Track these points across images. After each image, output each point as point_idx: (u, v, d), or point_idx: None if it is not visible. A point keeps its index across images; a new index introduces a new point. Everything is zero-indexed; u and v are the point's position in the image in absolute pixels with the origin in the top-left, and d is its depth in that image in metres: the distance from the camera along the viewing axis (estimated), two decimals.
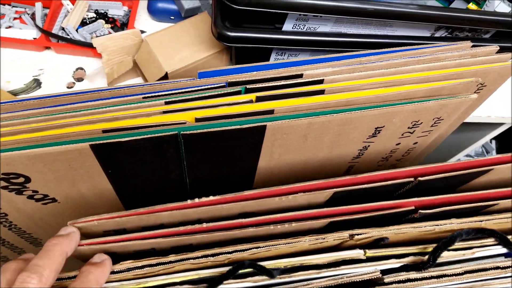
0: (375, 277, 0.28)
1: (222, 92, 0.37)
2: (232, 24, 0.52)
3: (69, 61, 0.64)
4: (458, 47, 0.43)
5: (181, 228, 0.28)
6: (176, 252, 0.30)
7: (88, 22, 0.64)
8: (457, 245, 0.30)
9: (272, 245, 0.28)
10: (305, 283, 0.28)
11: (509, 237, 0.30)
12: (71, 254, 0.29)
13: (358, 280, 0.28)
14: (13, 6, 0.65)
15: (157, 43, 0.57)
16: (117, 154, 0.32)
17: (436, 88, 0.35)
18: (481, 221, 0.30)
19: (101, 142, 0.29)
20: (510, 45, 0.55)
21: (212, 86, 0.38)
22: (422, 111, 0.35)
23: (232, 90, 0.37)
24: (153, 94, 0.36)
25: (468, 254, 0.30)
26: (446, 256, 0.29)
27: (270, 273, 0.28)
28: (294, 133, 0.34)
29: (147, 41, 0.57)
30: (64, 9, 0.64)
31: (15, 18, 0.64)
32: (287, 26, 0.52)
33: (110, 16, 0.65)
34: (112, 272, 0.29)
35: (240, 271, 0.28)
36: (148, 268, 0.29)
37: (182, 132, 0.30)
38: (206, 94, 0.36)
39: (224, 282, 0.28)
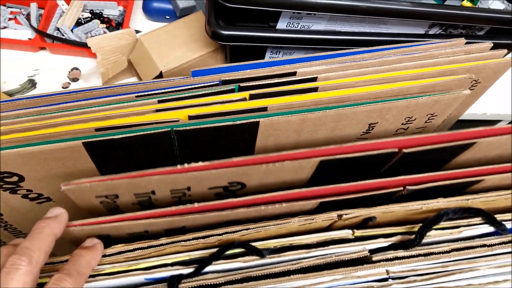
0: (363, 255, 0.28)
1: (216, 90, 0.37)
2: (226, 22, 0.52)
3: (64, 61, 0.64)
4: (452, 44, 0.43)
5: (174, 208, 0.28)
6: (168, 236, 0.30)
7: (83, 22, 0.64)
8: (444, 224, 0.30)
9: (262, 227, 0.29)
10: (294, 262, 0.28)
11: (496, 215, 0.30)
12: (61, 236, 0.29)
13: (346, 258, 0.28)
14: (8, 7, 0.65)
15: (152, 42, 0.57)
16: (110, 152, 0.32)
17: (430, 85, 0.35)
18: (468, 200, 0.30)
19: (94, 140, 0.29)
20: (504, 42, 0.55)
21: (206, 84, 0.37)
22: (415, 107, 0.35)
23: (225, 89, 0.37)
24: (146, 93, 0.36)
25: (455, 233, 0.30)
26: (433, 235, 0.29)
27: (260, 252, 0.28)
28: (287, 129, 0.34)
29: (142, 40, 0.57)
30: (59, 9, 0.64)
31: (10, 19, 0.64)
32: (281, 24, 0.53)
33: (105, 16, 0.65)
34: (104, 256, 0.29)
35: (231, 252, 0.29)
36: (139, 251, 0.29)
37: (175, 129, 0.30)
38: (200, 93, 0.36)
39: (215, 262, 0.28)
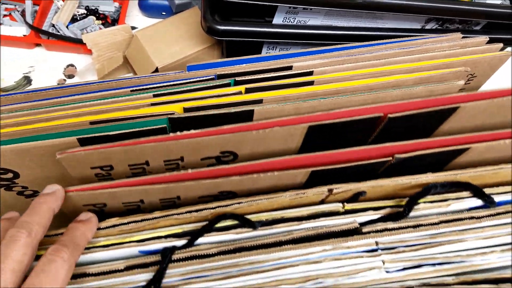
0: (353, 227, 0.29)
1: (211, 84, 0.36)
2: (222, 18, 0.52)
3: (60, 58, 0.63)
4: (448, 39, 0.43)
5: (168, 174, 0.29)
6: (163, 210, 0.30)
7: (78, 18, 0.64)
8: (433, 198, 0.30)
9: (254, 200, 0.29)
10: (286, 233, 0.29)
11: (484, 189, 0.31)
12: (57, 211, 0.29)
13: (337, 230, 0.29)
14: (3, 3, 0.64)
15: (148, 38, 0.57)
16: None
17: (425, 77, 0.35)
18: (456, 174, 0.31)
19: (89, 135, 0.29)
20: (500, 36, 0.55)
21: (201, 78, 0.37)
22: (409, 97, 0.35)
23: (221, 83, 0.37)
24: (141, 87, 0.36)
25: (443, 206, 0.30)
26: (422, 208, 0.30)
27: (252, 223, 0.29)
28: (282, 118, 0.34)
29: (138, 36, 0.57)
30: (54, 5, 0.64)
31: (4, 15, 0.64)
32: (277, 19, 0.52)
33: (101, 12, 0.64)
34: (98, 229, 0.30)
35: (223, 224, 0.29)
36: (133, 224, 0.29)
37: (170, 117, 0.30)
38: (195, 87, 0.36)
39: (207, 234, 0.29)
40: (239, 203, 0.29)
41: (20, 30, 0.63)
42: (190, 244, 0.29)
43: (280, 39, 0.54)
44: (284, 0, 0.47)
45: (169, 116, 0.30)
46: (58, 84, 0.61)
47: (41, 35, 0.62)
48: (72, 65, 0.63)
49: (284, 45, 0.58)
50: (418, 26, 0.55)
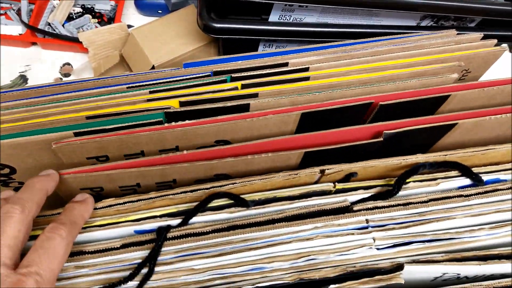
0: (345, 205, 0.29)
1: (208, 81, 0.37)
2: (218, 15, 0.52)
3: (56, 57, 0.63)
4: (443, 35, 0.43)
5: (163, 155, 0.29)
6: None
7: (74, 17, 0.64)
8: (422, 177, 0.31)
9: (248, 181, 0.30)
10: (278, 212, 0.29)
11: (473, 169, 0.31)
12: (54, 190, 0.30)
13: (328, 208, 0.29)
14: None
15: (144, 36, 0.57)
16: None
17: (419, 72, 0.36)
18: (446, 155, 0.31)
19: (85, 129, 0.29)
20: (495, 33, 0.55)
21: (198, 75, 0.37)
22: (403, 89, 0.35)
23: (217, 79, 0.37)
24: (137, 84, 0.36)
25: (433, 185, 0.31)
26: (411, 187, 0.31)
27: (245, 202, 0.29)
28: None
29: (134, 34, 0.57)
30: (50, 4, 0.63)
31: (0, 14, 0.64)
32: (273, 17, 0.53)
33: (97, 11, 0.64)
34: (95, 209, 0.30)
35: (217, 204, 0.30)
36: (129, 204, 0.30)
37: (166, 111, 0.30)
38: (191, 83, 0.36)
39: (201, 213, 0.29)
40: (233, 183, 0.30)
41: (16, 29, 0.63)
42: (184, 223, 0.29)
43: (276, 36, 0.54)
44: None
45: (165, 110, 0.31)
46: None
47: (37, 33, 0.62)
48: (68, 64, 0.63)
49: (280, 42, 0.58)
50: (413, 23, 0.55)
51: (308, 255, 0.27)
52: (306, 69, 0.38)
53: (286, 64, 0.39)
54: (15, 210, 0.26)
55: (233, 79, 0.37)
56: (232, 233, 0.28)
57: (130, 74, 0.37)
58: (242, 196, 0.30)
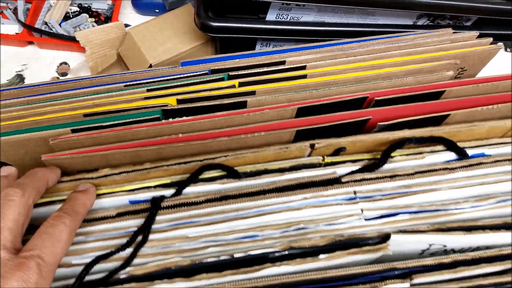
0: (333, 177, 0.30)
1: (205, 79, 0.37)
2: (215, 14, 0.52)
3: (53, 56, 0.63)
4: (439, 34, 0.44)
5: (159, 138, 0.30)
6: None
7: (71, 16, 0.64)
8: (409, 151, 0.32)
9: (240, 154, 0.31)
10: (269, 183, 0.30)
11: (459, 143, 0.32)
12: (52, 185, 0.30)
13: (317, 180, 0.30)
14: None
15: (141, 35, 0.57)
16: None
17: (415, 70, 0.36)
18: (432, 130, 0.32)
19: (83, 126, 0.29)
20: (491, 32, 0.56)
21: (195, 73, 0.38)
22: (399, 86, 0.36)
23: (215, 77, 0.37)
24: (134, 82, 0.36)
25: (419, 158, 0.31)
26: (398, 160, 0.31)
27: (236, 173, 0.30)
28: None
29: (131, 33, 0.57)
30: (47, 3, 0.63)
31: None
32: (271, 15, 0.53)
33: (94, 10, 0.64)
34: (90, 178, 0.30)
35: (209, 175, 0.30)
36: (124, 174, 0.30)
37: (163, 108, 0.30)
38: (189, 82, 0.36)
39: (194, 184, 0.30)
40: (225, 156, 0.31)
41: (12, 28, 0.63)
42: (178, 193, 0.30)
43: (273, 35, 0.54)
44: None
45: (163, 108, 0.31)
46: None
47: (33, 33, 0.62)
48: (65, 63, 0.63)
49: (277, 41, 0.58)
50: (410, 22, 0.55)
51: (298, 224, 0.28)
52: (303, 67, 0.38)
53: (283, 63, 0.39)
54: (16, 193, 0.26)
55: (231, 77, 0.37)
56: (224, 203, 0.29)
57: (128, 73, 0.37)
58: (234, 168, 0.31)
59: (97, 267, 0.27)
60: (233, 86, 0.35)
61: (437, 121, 0.33)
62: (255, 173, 0.31)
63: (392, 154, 0.31)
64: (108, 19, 0.65)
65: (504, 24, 0.56)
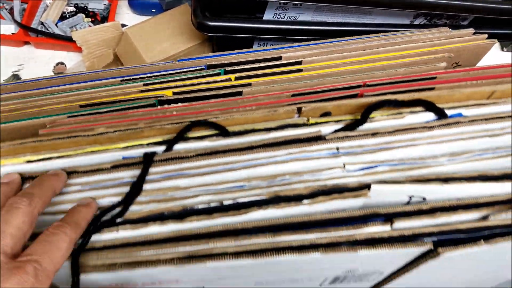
0: (317, 135, 0.31)
1: (201, 74, 0.37)
2: (212, 14, 0.52)
3: (49, 56, 0.63)
4: (435, 32, 0.44)
5: (154, 115, 0.30)
6: None
7: (67, 16, 0.64)
8: (389, 111, 0.33)
9: (230, 115, 0.32)
10: (257, 141, 0.31)
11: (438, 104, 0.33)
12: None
13: (302, 137, 0.31)
14: None
15: (138, 35, 0.57)
16: None
17: (409, 62, 0.36)
18: (414, 95, 0.33)
19: (80, 113, 0.29)
20: (487, 31, 0.56)
21: (191, 69, 0.38)
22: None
23: (211, 72, 0.37)
24: (131, 77, 0.36)
25: (399, 118, 0.32)
26: (379, 119, 0.33)
27: (225, 130, 0.31)
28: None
29: (128, 33, 0.57)
30: (43, 3, 0.63)
31: None
32: (268, 15, 0.53)
33: (90, 10, 0.64)
34: (86, 136, 0.31)
35: (199, 134, 0.32)
36: (119, 132, 0.31)
37: (159, 99, 0.30)
38: (185, 76, 0.36)
39: (184, 141, 0.31)
40: (216, 117, 0.32)
41: (8, 28, 0.63)
42: (169, 149, 0.31)
43: (270, 35, 0.54)
44: None
45: (159, 98, 0.31)
46: None
47: (30, 33, 0.62)
48: (62, 63, 0.63)
49: (274, 41, 0.58)
50: (407, 22, 0.56)
51: (284, 175, 0.30)
52: (299, 63, 0.38)
53: (279, 58, 0.39)
54: (22, 202, 0.26)
55: (227, 72, 0.37)
56: (214, 156, 0.30)
57: (124, 68, 0.37)
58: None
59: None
60: (229, 80, 0.35)
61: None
62: (243, 132, 0.32)
63: (373, 115, 0.33)
64: (104, 19, 0.65)
65: (501, 23, 0.57)
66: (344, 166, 0.30)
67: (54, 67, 0.62)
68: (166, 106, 0.30)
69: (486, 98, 0.34)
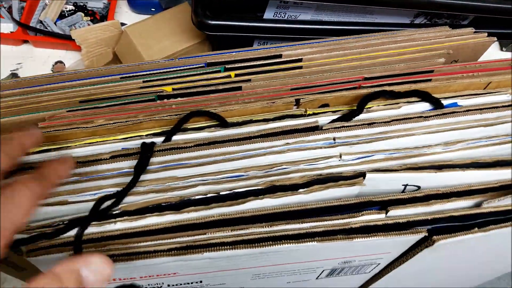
0: (315, 125, 0.32)
1: (201, 71, 0.36)
2: (212, 13, 0.52)
3: (48, 55, 0.63)
4: (435, 30, 0.44)
5: (153, 108, 0.31)
6: None
7: (66, 15, 0.63)
8: (386, 102, 0.34)
9: (228, 106, 0.32)
10: (255, 131, 0.32)
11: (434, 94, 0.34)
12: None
13: (300, 127, 0.32)
14: None
15: (137, 34, 0.57)
16: None
17: (408, 58, 0.37)
18: (410, 87, 0.34)
19: (79, 108, 0.29)
20: (487, 31, 0.56)
21: (191, 66, 0.37)
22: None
23: (211, 70, 0.37)
24: (131, 74, 0.36)
25: (395, 108, 0.33)
26: (375, 109, 0.33)
27: (223, 121, 0.32)
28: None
29: (127, 32, 0.56)
30: (42, 2, 0.63)
31: None
32: (268, 14, 0.53)
33: (89, 8, 0.64)
34: (85, 128, 0.31)
35: (198, 125, 0.32)
36: (119, 123, 0.31)
37: (158, 94, 0.30)
38: (185, 74, 0.36)
39: (183, 132, 0.32)
40: (214, 108, 0.32)
41: (7, 26, 0.63)
42: (167, 139, 0.31)
43: (270, 33, 0.54)
44: None
45: (158, 94, 0.31)
46: None
47: (28, 31, 0.62)
48: (60, 62, 0.63)
49: (274, 40, 0.58)
50: (407, 21, 0.56)
51: (281, 165, 0.30)
52: (300, 60, 0.38)
53: (280, 56, 0.39)
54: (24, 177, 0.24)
55: (227, 70, 0.37)
56: (212, 147, 0.31)
57: (124, 65, 0.37)
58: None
59: (89, 204, 0.28)
60: (229, 77, 0.35)
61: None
62: (241, 123, 0.32)
63: (370, 105, 0.33)
64: (103, 18, 0.65)
65: (501, 23, 0.57)
66: (341, 156, 0.30)
67: (53, 66, 0.62)
68: (165, 100, 0.30)
69: (483, 89, 0.34)
